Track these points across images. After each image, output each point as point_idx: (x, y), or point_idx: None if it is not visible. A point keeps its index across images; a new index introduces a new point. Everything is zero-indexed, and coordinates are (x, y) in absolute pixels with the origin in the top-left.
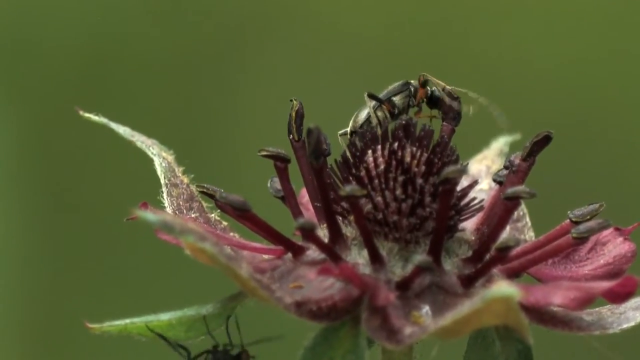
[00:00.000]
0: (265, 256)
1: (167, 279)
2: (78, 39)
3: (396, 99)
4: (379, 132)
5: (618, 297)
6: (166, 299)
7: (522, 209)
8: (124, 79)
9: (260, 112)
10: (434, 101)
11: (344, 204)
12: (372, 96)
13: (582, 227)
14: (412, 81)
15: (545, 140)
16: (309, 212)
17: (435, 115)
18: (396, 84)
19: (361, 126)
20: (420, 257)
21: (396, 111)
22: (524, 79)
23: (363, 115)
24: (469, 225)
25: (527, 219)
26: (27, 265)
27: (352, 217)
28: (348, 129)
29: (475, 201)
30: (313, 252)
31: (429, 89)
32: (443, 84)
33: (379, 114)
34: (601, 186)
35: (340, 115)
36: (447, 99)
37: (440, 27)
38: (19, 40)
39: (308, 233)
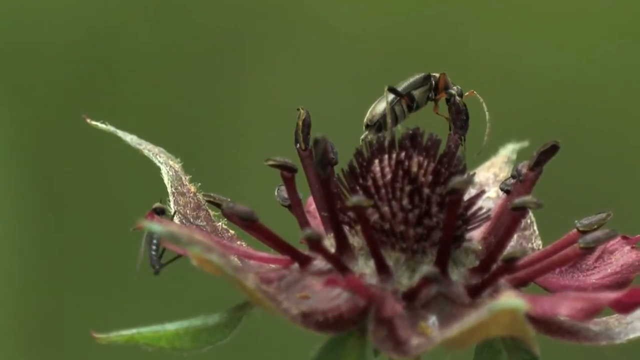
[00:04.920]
0: (272, 265)
1: (168, 282)
2: (75, 41)
3: (416, 93)
4: (389, 136)
5: (625, 307)
6: (167, 304)
7: (530, 217)
8: (121, 82)
9: (261, 116)
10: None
11: (350, 214)
12: (392, 90)
13: (589, 237)
14: (434, 74)
15: (553, 150)
16: (315, 221)
17: (448, 118)
18: (417, 77)
19: (377, 120)
20: (427, 267)
21: (415, 105)
22: (526, 79)
23: (380, 108)
24: (476, 234)
25: (535, 227)
26: (23, 267)
27: (359, 227)
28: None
29: (483, 210)
30: (320, 262)
31: (449, 88)
32: (454, 91)
33: (397, 108)
34: (609, 191)
35: (343, 116)
36: (456, 107)
37: (441, 26)
38: (14, 43)
39: (314, 244)
